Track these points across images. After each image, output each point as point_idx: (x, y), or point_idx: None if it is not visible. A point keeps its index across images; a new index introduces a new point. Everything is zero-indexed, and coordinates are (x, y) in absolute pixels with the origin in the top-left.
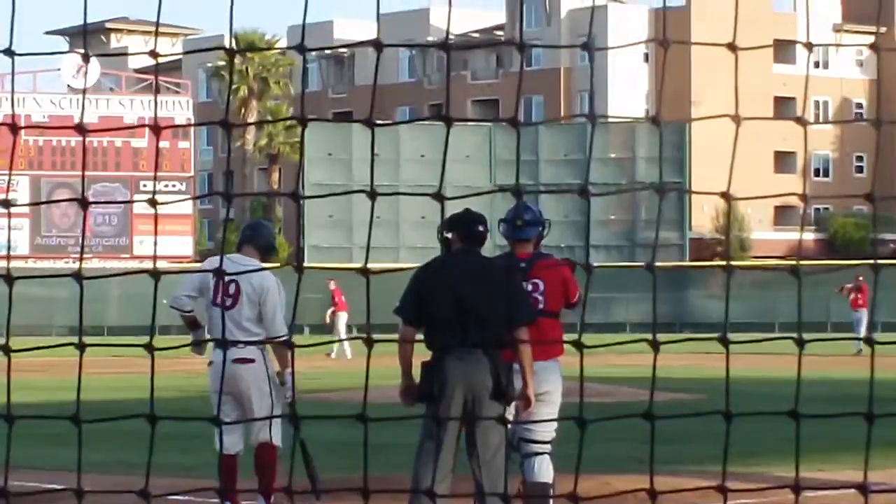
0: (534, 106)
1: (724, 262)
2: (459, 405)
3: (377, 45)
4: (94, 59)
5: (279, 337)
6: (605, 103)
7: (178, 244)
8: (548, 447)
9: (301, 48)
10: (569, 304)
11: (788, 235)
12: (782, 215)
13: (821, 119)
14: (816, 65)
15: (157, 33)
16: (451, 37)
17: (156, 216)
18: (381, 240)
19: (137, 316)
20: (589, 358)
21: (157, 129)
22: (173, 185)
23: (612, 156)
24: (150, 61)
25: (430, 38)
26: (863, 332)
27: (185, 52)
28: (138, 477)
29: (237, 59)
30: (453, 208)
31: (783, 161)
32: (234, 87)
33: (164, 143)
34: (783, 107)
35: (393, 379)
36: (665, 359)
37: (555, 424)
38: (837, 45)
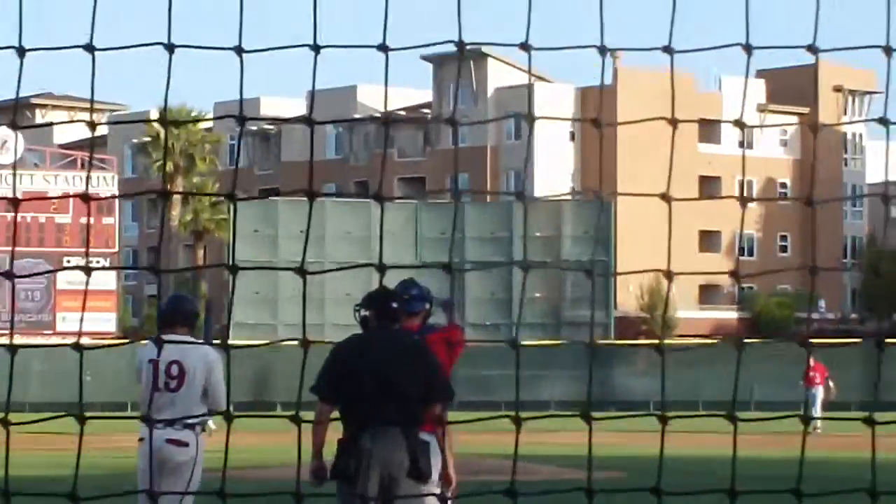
0: (460, 184)
1: (656, 342)
2: (376, 483)
3: (309, 121)
4: (17, 134)
5: (218, 411)
6: (532, 181)
7: (102, 320)
8: None
9: (239, 117)
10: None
11: (713, 314)
12: (706, 294)
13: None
14: (741, 144)
15: (91, 102)
16: (380, 112)
17: (85, 291)
18: (307, 317)
19: (59, 392)
20: (512, 435)
21: (87, 198)
22: (97, 261)
23: (538, 234)
24: (75, 137)
25: (356, 115)
26: (818, 410)
27: (116, 122)
28: None
29: (162, 135)
30: (391, 279)
31: (707, 240)
32: (158, 162)
33: (88, 219)
34: (708, 186)
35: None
36: (596, 438)
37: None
38: (762, 126)
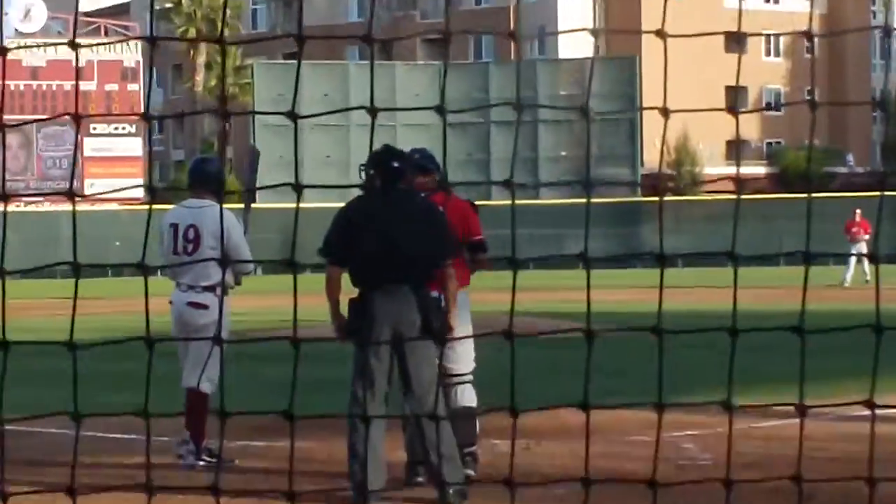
0: (483, 44)
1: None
2: (388, 342)
3: None
4: (40, 3)
5: (244, 273)
6: (555, 41)
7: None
8: (469, 377)
9: None
10: (472, 244)
11: (740, 169)
12: (734, 150)
13: (772, 54)
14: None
15: None
16: None
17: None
18: (332, 178)
19: (88, 257)
20: (541, 293)
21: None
22: (123, 128)
23: (563, 93)
24: (97, 4)
25: None
26: (865, 264)
27: None
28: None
29: (185, 2)
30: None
31: (734, 96)
32: (181, 28)
33: (112, 86)
34: (733, 42)
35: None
36: (617, 294)
37: (472, 355)
38: None
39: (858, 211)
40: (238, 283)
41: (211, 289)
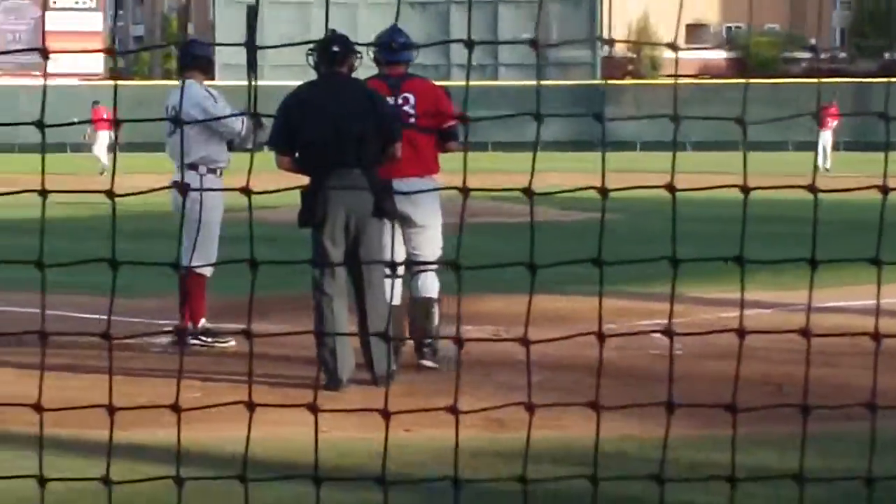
0: None
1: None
2: (342, 226)
3: None
4: None
5: (234, 135)
6: None
7: (89, 61)
8: (433, 266)
9: None
10: (445, 130)
11: (700, 55)
12: (694, 34)
13: None
14: None
15: None
16: None
17: None
18: (290, 58)
19: (49, 133)
20: (498, 176)
21: None
22: (83, 3)
23: None
24: None
25: None
26: (828, 153)
27: None
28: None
29: None
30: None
31: None
32: None
33: None
34: None
35: None
36: (586, 179)
37: (440, 243)
38: None
39: (835, 101)
40: (242, 146)
41: (193, 166)
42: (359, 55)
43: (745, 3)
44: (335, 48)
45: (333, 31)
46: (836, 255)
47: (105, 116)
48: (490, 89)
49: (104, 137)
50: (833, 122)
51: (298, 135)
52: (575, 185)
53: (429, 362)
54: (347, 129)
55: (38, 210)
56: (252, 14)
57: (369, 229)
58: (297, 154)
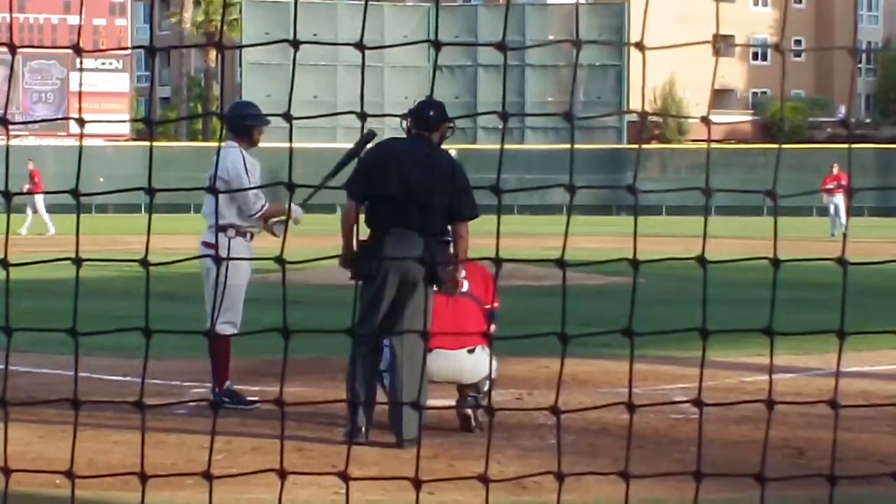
0: None
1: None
2: (394, 286)
3: None
4: None
5: (249, 209)
6: None
7: (115, 123)
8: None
9: None
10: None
11: (726, 119)
12: (720, 99)
13: (759, 3)
14: None
15: None
16: None
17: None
18: (319, 120)
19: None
20: (524, 240)
21: None
22: (110, 63)
23: (551, 37)
24: None
25: None
26: (843, 217)
27: None
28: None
29: None
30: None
31: (720, 45)
32: None
33: (100, 21)
34: None
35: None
36: (600, 241)
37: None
38: None
39: (836, 165)
40: (256, 221)
41: (222, 229)
42: (452, 125)
43: (771, 69)
44: (428, 112)
45: (429, 96)
46: (854, 320)
47: (37, 180)
48: (517, 153)
49: (41, 200)
50: (835, 184)
51: (373, 186)
52: (600, 248)
53: (468, 411)
54: (423, 193)
55: (64, 271)
56: (367, 139)
57: (416, 294)
58: (366, 204)
